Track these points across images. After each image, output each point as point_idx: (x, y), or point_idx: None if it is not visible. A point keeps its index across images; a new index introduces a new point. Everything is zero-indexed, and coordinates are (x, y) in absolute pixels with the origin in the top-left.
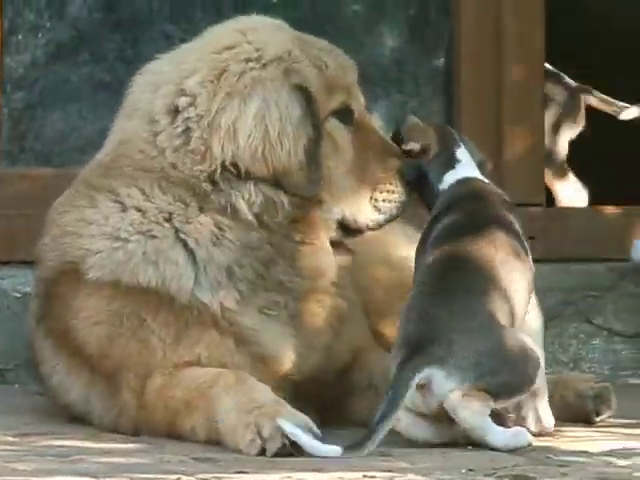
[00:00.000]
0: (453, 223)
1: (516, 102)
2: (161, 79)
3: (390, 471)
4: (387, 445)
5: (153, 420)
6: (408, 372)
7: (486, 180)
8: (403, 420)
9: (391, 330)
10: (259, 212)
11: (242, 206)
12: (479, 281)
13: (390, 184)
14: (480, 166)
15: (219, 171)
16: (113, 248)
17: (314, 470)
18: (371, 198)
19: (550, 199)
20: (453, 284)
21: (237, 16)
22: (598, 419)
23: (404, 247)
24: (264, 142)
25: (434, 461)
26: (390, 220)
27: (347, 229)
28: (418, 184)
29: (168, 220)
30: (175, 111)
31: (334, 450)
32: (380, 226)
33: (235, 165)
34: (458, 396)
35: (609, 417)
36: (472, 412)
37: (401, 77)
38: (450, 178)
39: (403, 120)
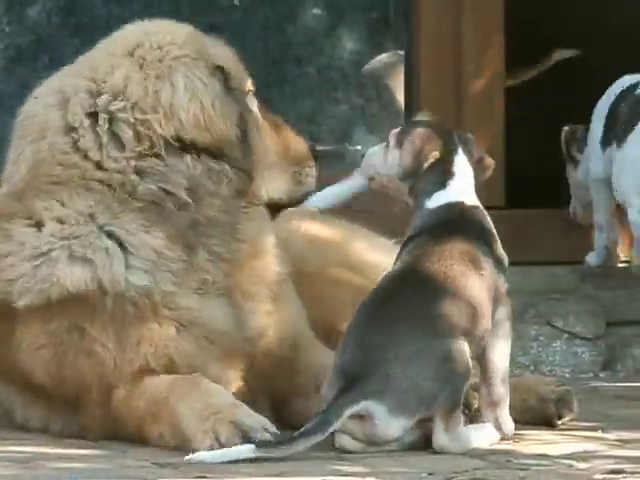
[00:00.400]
0: (418, 248)
1: (476, 106)
2: (68, 93)
3: (350, 475)
4: (339, 450)
5: (121, 429)
6: (343, 402)
7: (473, 201)
8: (342, 438)
9: None
10: (197, 184)
11: (178, 181)
12: (422, 306)
13: (309, 159)
14: (478, 164)
15: (162, 148)
16: (35, 267)
17: (273, 475)
18: (295, 173)
19: None
20: (392, 310)
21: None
22: (560, 422)
23: (368, 253)
24: (202, 113)
25: (394, 465)
26: (310, 193)
27: (274, 207)
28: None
29: (91, 220)
30: (95, 113)
31: (247, 449)
32: (299, 202)
33: (178, 139)
34: (444, 437)
35: (571, 420)
36: (460, 444)
37: (361, 80)
38: (438, 199)
39: (411, 128)
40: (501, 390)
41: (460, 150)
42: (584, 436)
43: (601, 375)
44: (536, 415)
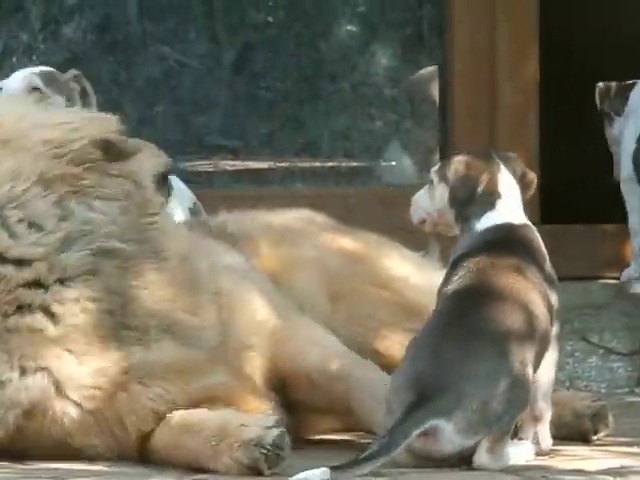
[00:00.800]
0: (478, 266)
1: (511, 120)
2: None
3: None
4: None
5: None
6: (411, 423)
7: (522, 219)
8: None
9: (386, 349)
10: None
11: (109, 230)
12: (495, 324)
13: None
14: (521, 180)
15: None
16: None
17: None
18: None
19: None
20: (467, 327)
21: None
22: (595, 438)
23: (397, 267)
24: (90, 113)
25: None
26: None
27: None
28: (461, 207)
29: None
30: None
31: (323, 472)
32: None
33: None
34: (486, 457)
35: (606, 436)
36: (501, 463)
37: (395, 96)
38: (488, 220)
39: (449, 160)
40: (543, 405)
41: (503, 168)
42: (620, 451)
43: (637, 390)
44: (572, 430)
